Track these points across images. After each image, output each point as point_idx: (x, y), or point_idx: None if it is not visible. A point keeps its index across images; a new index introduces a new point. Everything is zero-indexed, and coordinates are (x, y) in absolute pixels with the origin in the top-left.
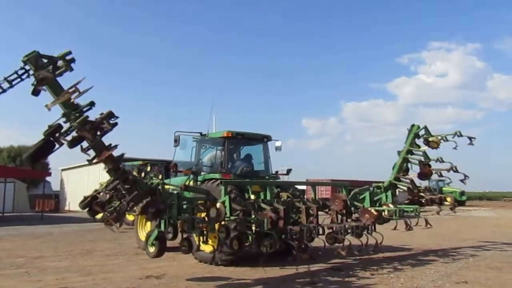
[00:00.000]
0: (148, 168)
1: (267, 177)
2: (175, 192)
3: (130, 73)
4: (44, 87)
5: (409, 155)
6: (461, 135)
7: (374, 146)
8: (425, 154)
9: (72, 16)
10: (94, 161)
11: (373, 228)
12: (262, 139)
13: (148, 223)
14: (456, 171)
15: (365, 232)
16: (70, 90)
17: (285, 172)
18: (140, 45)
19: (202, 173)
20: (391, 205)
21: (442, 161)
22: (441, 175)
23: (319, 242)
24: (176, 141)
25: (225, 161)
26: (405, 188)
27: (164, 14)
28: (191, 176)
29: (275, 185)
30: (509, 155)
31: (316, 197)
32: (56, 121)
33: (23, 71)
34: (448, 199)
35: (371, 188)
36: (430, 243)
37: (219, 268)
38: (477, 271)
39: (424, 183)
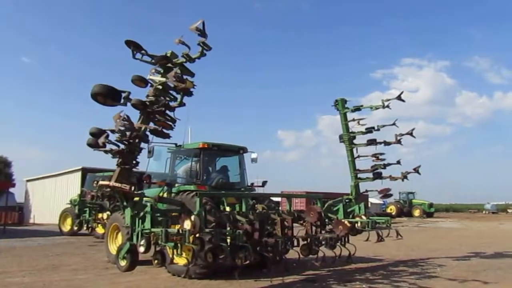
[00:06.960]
0: None
1: (242, 189)
2: (148, 203)
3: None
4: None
5: (353, 145)
6: (389, 100)
7: None
8: (367, 129)
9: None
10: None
11: (346, 239)
12: (238, 151)
13: (119, 236)
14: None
15: (338, 244)
16: (174, 75)
17: (260, 184)
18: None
19: (177, 185)
20: (364, 217)
21: (383, 126)
22: (388, 144)
23: (293, 253)
24: (150, 152)
25: (201, 173)
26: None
27: (141, 26)
28: (165, 187)
29: (251, 197)
30: (475, 169)
31: (291, 209)
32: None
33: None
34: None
35: (344, 200)
36: (400, 254)
37: (193, 281)
38: (444, 281)
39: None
